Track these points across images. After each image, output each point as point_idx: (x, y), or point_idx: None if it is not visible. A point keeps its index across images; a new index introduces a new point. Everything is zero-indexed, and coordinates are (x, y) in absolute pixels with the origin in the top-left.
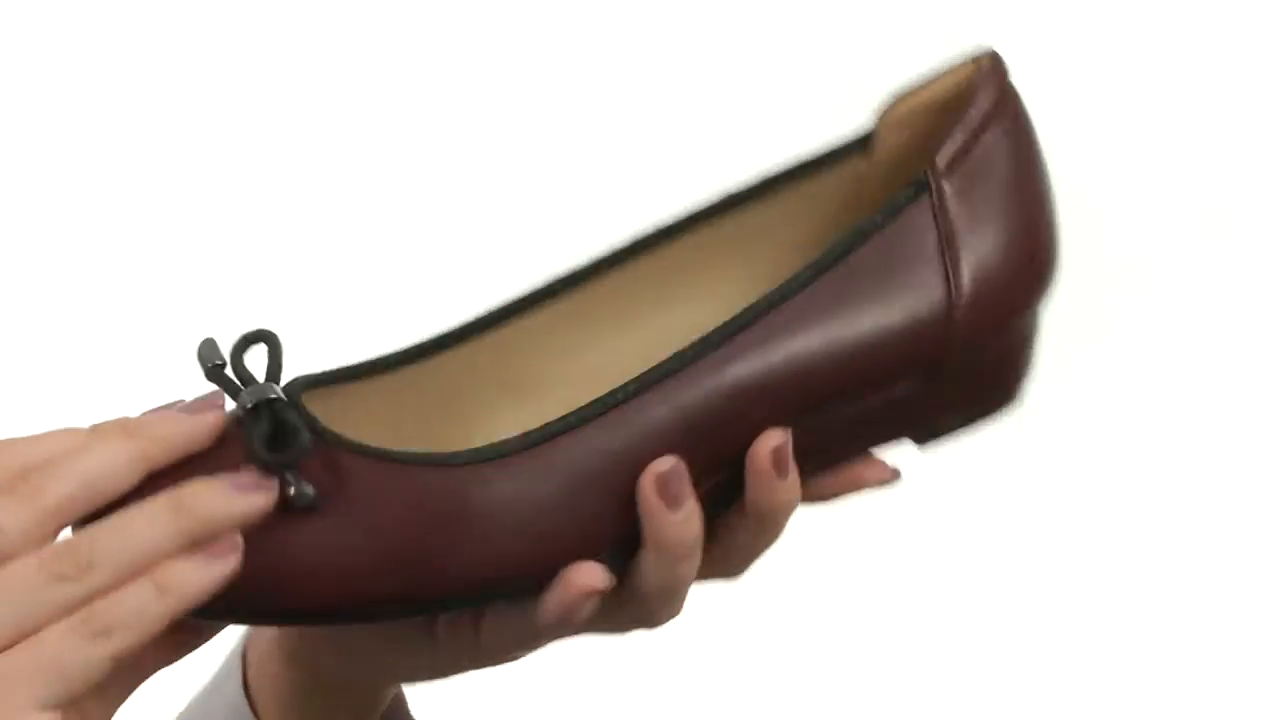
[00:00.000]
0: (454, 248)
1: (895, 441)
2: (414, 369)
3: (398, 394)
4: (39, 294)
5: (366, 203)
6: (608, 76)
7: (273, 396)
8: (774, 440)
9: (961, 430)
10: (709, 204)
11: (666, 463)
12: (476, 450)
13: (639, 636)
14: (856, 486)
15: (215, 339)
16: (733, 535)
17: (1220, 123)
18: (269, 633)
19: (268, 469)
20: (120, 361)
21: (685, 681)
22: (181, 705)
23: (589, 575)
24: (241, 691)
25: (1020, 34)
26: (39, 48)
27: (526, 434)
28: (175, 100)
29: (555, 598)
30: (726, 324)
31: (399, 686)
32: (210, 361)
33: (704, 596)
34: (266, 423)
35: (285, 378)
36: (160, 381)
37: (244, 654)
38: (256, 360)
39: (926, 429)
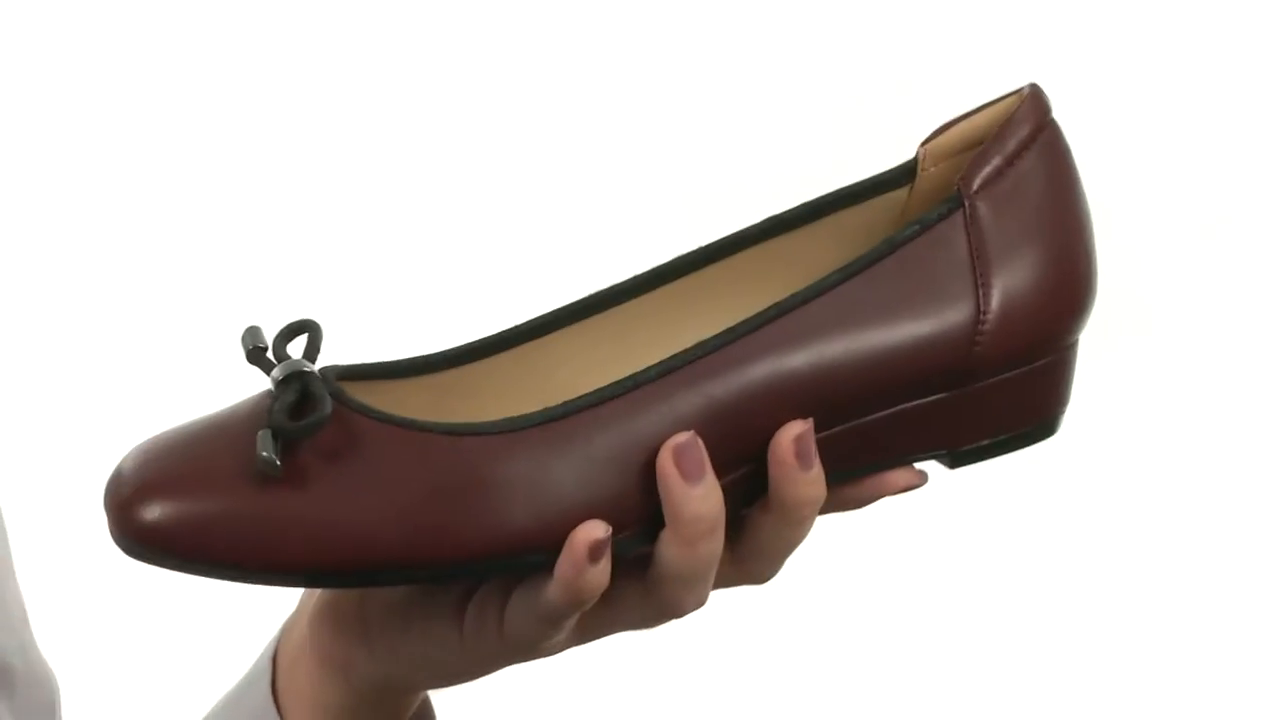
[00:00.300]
0: (495, 260)
1: (923, 457)
2: (449, 373)
3: (429, 395)
4: (90, 301)
5: (413, 214)
6: (663, 106)
7: (304, 370)
8: (796, 429)
9: (992, 454)
10: (752, 229)
11: (684, 435)
12: (494, 422)
13: (659, 648)
14: (883, 492)
15: (259, 326)
16: (758, 531)
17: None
18: (299, 635)
19: (279, 435)
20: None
21: (706, 690)
22: (209, 706)
23: (589, 528)
24: (270, 695)
25: (1066, 73)
26: (107, 52)
27: (546, 409)
28: (223, 108)
29: (563, 560)
30: (751, 317)
31: (426, 694)
32: (252, 344)
33: (729, 600)
34: (294, 393)
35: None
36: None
37: (274, 657)
38: (298, 354)
39: (955, 448)
